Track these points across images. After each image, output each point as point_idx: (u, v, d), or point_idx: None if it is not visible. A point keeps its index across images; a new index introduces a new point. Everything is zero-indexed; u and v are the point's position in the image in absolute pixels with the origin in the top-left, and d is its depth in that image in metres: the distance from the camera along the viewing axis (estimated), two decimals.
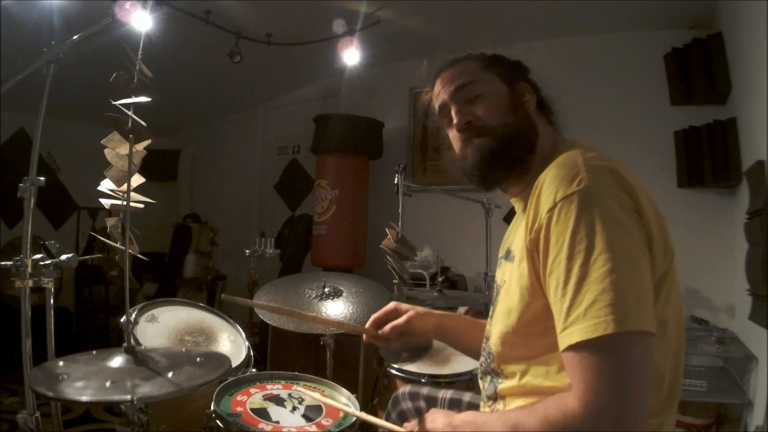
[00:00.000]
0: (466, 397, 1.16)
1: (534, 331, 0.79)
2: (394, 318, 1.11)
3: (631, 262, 0.69)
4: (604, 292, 0.66)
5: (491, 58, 0.98)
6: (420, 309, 1.12)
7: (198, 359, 1.16)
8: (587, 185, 0.71)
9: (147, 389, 0.95)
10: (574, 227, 0.70)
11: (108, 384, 0.96)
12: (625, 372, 0.65)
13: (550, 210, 0.73)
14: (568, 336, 0.68)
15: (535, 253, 0.76)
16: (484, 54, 0.99)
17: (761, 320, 1.98)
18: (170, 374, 1.03)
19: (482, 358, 0.96)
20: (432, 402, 1.18)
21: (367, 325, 1.14)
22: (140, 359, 1.06)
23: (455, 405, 1.15)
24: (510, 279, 0.85)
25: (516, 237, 0.88)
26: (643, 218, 0.73)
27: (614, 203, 0.71)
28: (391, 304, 1.14)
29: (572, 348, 0.68)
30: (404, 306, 1.13)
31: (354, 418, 1.21)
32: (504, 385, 0.87)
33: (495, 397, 0.89)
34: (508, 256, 0.91)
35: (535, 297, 0.77)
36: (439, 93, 0.99)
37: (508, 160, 0.90)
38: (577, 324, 0.67)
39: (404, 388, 1.26)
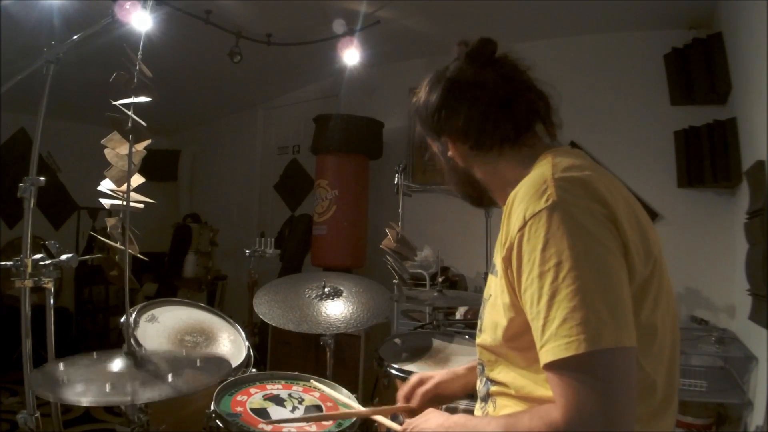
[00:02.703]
0: (462, 405, 1.17)
1: (520, 345, 0.79)
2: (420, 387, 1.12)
3: (604, 275, 0.68)
4: (574, 310, 0.66)
5: (423, 120, 0.98)
6: (444, 374, 1.12)
7: (198, 363, 1.16)
8: (555, 200, 0.71)
9: (147, 394, 0.95)
10: (544, 244, 0.70)
11: (108, 388, 0.96)
12: (604, 387, 0.65)
13: (521, 229, 0.73)
14: (544, 354, 0.68)
15: (509, 271, 0.77)
16: (415, 114, 1.00)
17: (761, 320, 1.98)
18: (170, 378, 1.03)
19: (477, 366, 0.96)
20: None
21: (399, 403, 1.13)
22: (140, 362, 1.06)
23: (451, 413, 1.15)
24: (494, 293, 0.85)
25: (498, 251, 0.89)
26: (618, 227, 0.72)
27: (584, 215, 0.70)
28: (415, 377, 1.14)
29: (549, 366, 0.68)
30: (427, 374, 1.14)
31: (354, 419, 1.21)
32: (495, 388, 0.88)
33: (486, 399, 0.90)
34: (492, 269, 0.91)
35: (517, 312, 0.77)
36: None
37: (472, 202, 1.05)
38: (550, 342, 0.67)
39: None
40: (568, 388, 0.66)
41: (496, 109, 0.88)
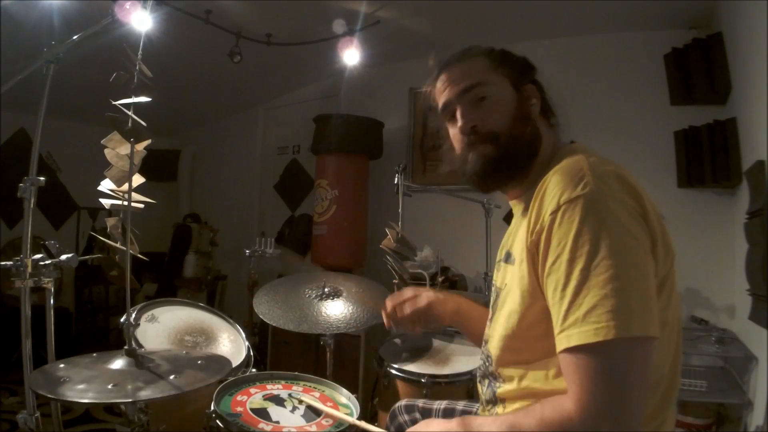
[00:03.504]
0: (460, 405, 1.17)
1: (535, 334, 0.79)
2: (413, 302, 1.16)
3: (635, 267, 0.69)
4: (606, 298, 0.66)
5: (501, 56, 0.94)
6: (439, 295, 1.16)
7: (199, 362, 1.16)
8: (592, 189, 0.71)
9: (148, 393, 0.95)
10: (578, 231, 0.69)
11: (109, 387, 0.96)
12: (623, 376, 0.65)
13: (554, 212, 0.72)
14: (566, 338, 0.68)
15: (536, 255, 0.76)
16: (493, 51, 0.95)
17: (761, 320, 1.98)
18: (172, 377, 1.03)
19: (480, 362, 0.96)
20: (427, 413, 1.19)
21: (388, 307, 1.17)
22: (141, 362, 1.06)
23: (449, 414, 1.15)
24: (511, 282, 0.85)
25: (516, 239, 0.88)
26: (648, 222, 0.73)
27: (619, 208, 0.71)
28: (409, 291, 1.17)
29: (570, 351, 0.68)
30: (423, 291, 1.17)
31: (354, 418, 1.21)
32: (503, 388, 0.87)
33: (494, 401, 0.89)
34: (508, 259, 0.91)
35: (536, 299, 0.77)
36: (444, 90, 0.95)
37: (510, 168, 0.90)
38: (575, 327, 0.67)
39: (401, 402, 1.26)
40: (585, 375, 0.66)
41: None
